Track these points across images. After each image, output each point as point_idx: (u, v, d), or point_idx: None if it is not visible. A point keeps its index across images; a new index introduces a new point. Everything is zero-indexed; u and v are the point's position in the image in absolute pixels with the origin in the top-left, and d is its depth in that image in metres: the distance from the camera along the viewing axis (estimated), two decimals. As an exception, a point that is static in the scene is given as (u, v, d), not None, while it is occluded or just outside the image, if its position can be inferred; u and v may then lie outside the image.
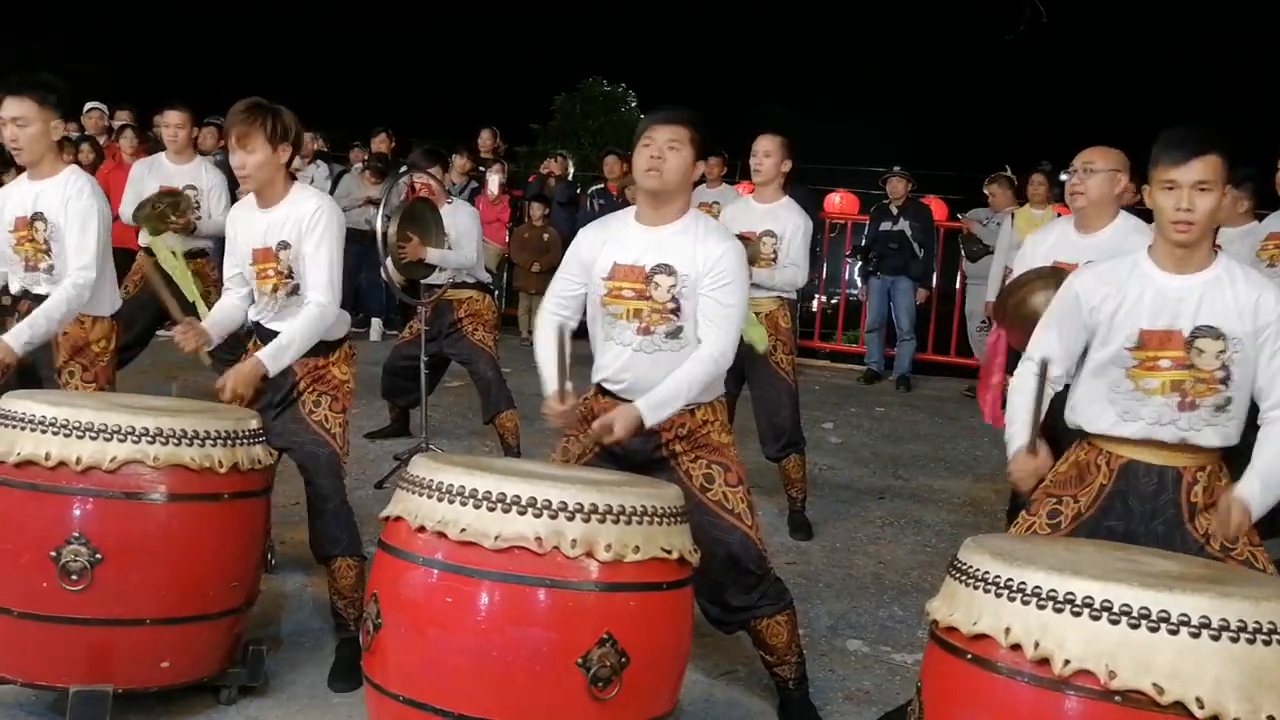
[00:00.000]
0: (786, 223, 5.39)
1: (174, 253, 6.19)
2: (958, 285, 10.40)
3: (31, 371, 4.09)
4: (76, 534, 3.13)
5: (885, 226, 9.64)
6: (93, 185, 4.17)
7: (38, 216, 4.08)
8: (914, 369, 9.90)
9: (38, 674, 3.22)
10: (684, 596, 2.94)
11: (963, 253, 9.90)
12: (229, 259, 3.95)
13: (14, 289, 4.20)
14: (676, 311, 3.33)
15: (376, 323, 10.18)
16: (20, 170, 4.31)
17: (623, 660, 2.68)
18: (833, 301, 12.60)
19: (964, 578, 2.49)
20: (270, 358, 3.66)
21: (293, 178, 3.84)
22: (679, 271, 3.32)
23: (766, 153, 5.45)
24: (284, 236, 3.74)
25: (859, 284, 11.37)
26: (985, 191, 9.61)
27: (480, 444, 6.61)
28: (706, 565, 3.09)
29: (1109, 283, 3.08)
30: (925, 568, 5.22)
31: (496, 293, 7.72)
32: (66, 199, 4.07)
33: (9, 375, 4.04)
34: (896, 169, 9.86)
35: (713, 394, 3.44)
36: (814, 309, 11.44)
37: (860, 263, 10.40)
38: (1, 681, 3.26)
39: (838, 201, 12.01)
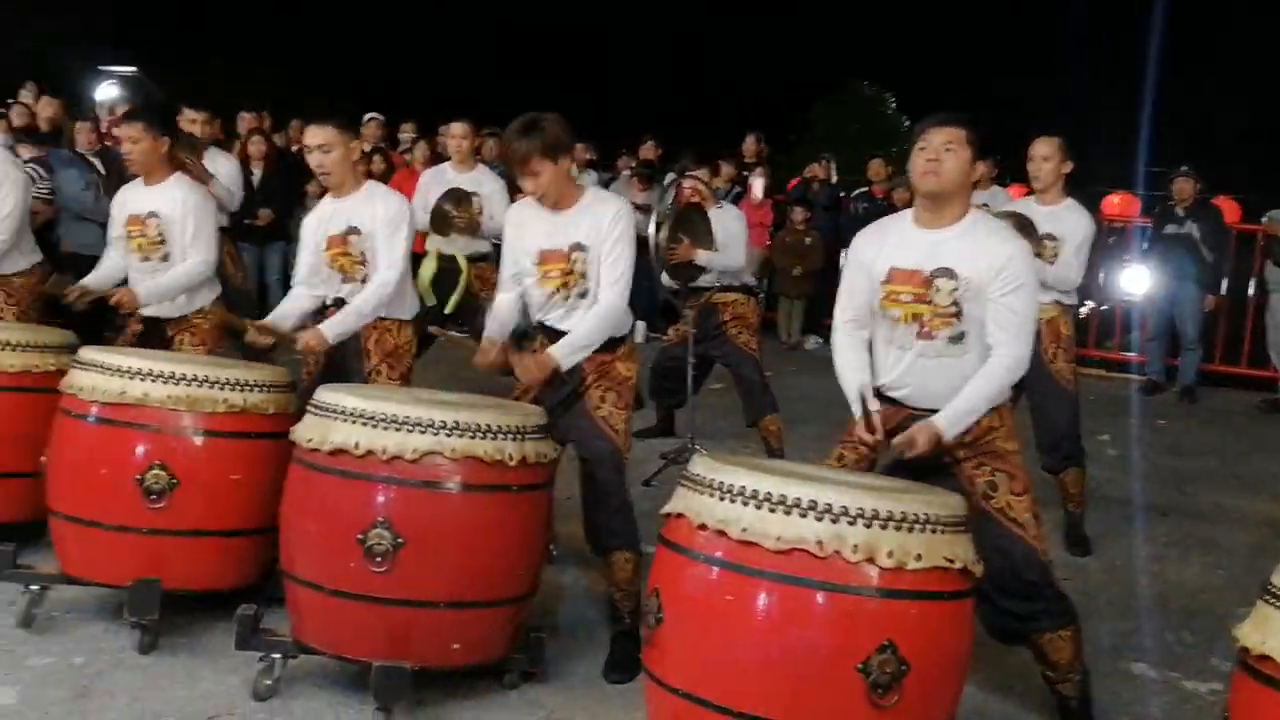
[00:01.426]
0: (1068, 225, 5.18)
1: (453, 256, 6.50)
2: (1251, 292, 9.73)
3: (341, 373, 4.28)
4: (381, 519, 3.33)
5: (1170, 230, 9.11)
6: (398, 195, 4.40)
7: (351, 231, 4.30)
8: (1199, 380, 9.33)
9: (345, 647, 3.44)
10: (965, 607, 2.89)
11: (1267, 257, 9.22)
12: (506, 258, 4.06)
13: (330, 299, 4.43)
14: (958, 315, 3.26)
15: (641, 325, 10.36)
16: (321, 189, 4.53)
17: (903, 668, 2.66)
18: (1103, 309, 11.99)
19: (1280, 603, 2.34)
20: (564, 354, 3.79)
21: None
22: (960, 275, 3.25)
23: (1045, 157, 5.25)
24: (579, 239, 3.83)
25: (1136, 290, 10.78)
26: (1288, 191, 8.95)
27: (742, 446, 6.64)
28: (986, 573, 3.02)
29: None
30: (1218, 591, 4.93)
31: (761, 296, 7.74)
32: (375, 210, 4.29)
33: (316, 371, 4.33)
34: (1184, 168, 9.24)
35: (999, 399, 3.34)
36: (1083, 315, 10.88)
37: (1143, 268, 9.86)
38: (312, 651, 3.51)
39: (1116, 202, 11.44)
